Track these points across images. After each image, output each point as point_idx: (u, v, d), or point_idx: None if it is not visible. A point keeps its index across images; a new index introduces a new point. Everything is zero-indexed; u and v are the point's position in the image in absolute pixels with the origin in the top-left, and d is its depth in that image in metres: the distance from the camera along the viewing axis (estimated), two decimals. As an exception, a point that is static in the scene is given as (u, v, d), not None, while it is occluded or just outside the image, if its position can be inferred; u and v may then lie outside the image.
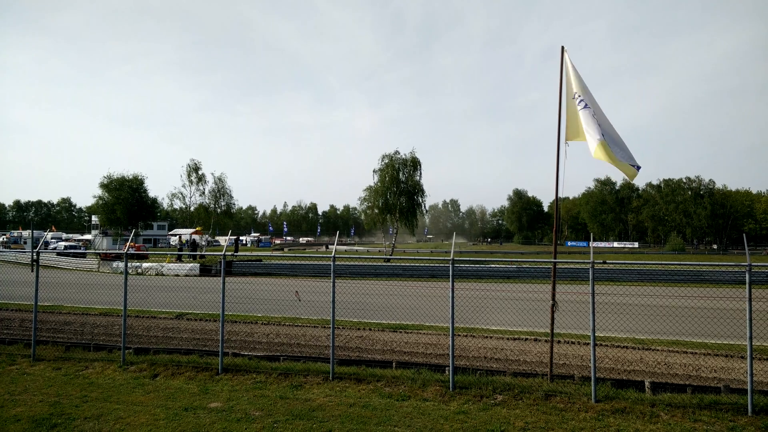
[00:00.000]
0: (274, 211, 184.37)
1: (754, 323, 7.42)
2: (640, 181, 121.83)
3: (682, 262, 14.74)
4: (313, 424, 6.92)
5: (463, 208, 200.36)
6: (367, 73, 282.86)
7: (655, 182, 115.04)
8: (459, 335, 12.47)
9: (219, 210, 55.44)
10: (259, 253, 51.38)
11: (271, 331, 13.68)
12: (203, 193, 54.85)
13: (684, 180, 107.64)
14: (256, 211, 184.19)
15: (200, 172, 54.54)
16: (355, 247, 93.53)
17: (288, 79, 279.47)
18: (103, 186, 57.04)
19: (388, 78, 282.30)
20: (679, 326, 12.60)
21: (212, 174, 55.74)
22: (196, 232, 55.98)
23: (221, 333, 9.79)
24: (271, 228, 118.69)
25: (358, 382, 8.84)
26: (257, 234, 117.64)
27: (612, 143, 8.10)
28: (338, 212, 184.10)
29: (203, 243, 55.60)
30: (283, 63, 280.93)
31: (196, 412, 7.39)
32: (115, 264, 34.41)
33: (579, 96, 8.42)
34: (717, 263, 9.57)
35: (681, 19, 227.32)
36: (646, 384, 8.43)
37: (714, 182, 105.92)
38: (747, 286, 7.37)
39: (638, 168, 8.19)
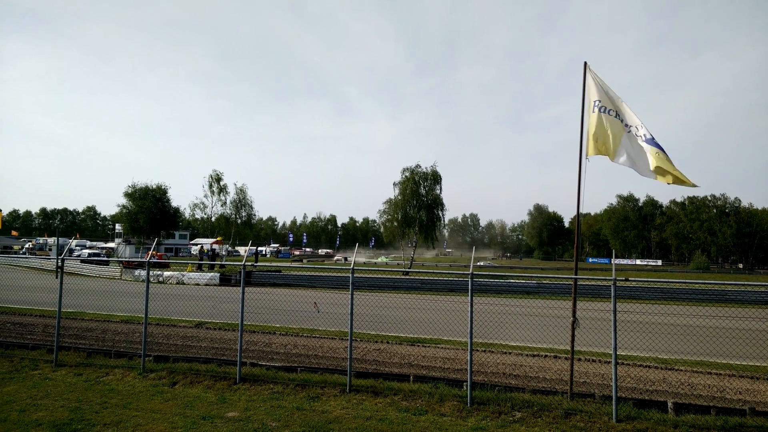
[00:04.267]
0: (294, 222, 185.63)
1: (782, 345, 7.25)
2: (663, 198, 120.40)
3: (706, 281, 14.51)
4: (329, 436, 6.90)
5: (483, 222, 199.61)
6: (388, 85, 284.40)
7: (679, 200, 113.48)
8: (477, 350, 12.36)
9: (239, 220, 55.97)
10: (279, 264, 51.65)
11: (289, 341, 13.70)
12: (224, 203, 55.49)
13: (709, 198, 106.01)
14: (276, 222, 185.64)
15: (222, 183, 55.23)
16: (374, 260, 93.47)
17: (309, 90, 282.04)
18: (127, 195, 58.13)
19: (409, 90, 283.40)
20: (703, 346, 12.32)
21: (234, 184, 56.45)
22: (216, 242, 56.55)
23: (239, 343, 9.84)
24: (291, 239, 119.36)
25: (375, 395, 8.80)
26: (277, 245, 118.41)
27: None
28: (357, 224, 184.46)
29: (223, 253, 56.11)
30: (305, 74, 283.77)
31: (213, 421, 7.43)
32: (137, 272, 34.86)
33: (611, 109, 8.40)
34: (742, 282, 9.39)
35: (707, 33, 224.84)
36: (669, 404, 8.26)
37: (740, 200, 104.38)
38: (774, 306, 7.21)
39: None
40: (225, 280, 33.25)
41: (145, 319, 10.63)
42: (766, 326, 16.20)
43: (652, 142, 8.06)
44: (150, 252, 11.67)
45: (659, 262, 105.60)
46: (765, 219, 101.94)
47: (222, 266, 40.55)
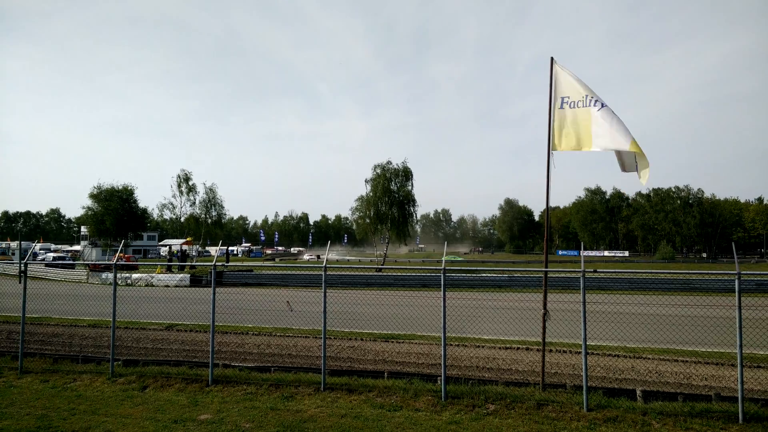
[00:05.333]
0: (265, 221, 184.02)
1: (744, 331, 7.46)
2: (629, 190, 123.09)
3: (672, 271, 14.83)
4: (304, 435, 6.86)
5: (455, 218, 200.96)
6: (360, 82, 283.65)
7: (644, 191, 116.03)
8: (451, 345, 12.45)
9: (210, 220, 55.13)
10: (250, 264, 51.13)
11: (262, 341, 13.59)
12: (194, 203, 54.52)
13: (673, 189, 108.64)
14: (247, 222, 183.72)
15: (191, 183, 54.23)
16: (347, 257, 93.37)
17: (280, 88, 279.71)
18: (92, 196, 56.76)
19: (381, 87, 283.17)
20: (670, 334, 12.64)
21: (203, 184, 55.51)
22: (186, 243, 55.68)
23: (211, 344, 9.71)
24: (263, 238, 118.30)
25: (349, 393, 8.78)
26: (248, 244, 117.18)
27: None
28: (330, 222, 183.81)
29: (193, 253, 55.27)
30: (275, 72, 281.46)
31: (185, 424, 7.31)
32: (104, 275, 34.12)
33: (590, 97, 8.38)
34: (706, 272, 9.61)
35: (671, 29, 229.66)
36: (638, 392, 8.44)
37: (703, 191, 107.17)
38: (736, 294, 7.42)
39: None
40: (195, 281, 32.81)
41: (113, 323, 10.41)
42: (729, 313, 16.69)
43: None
44: (117, 254, 11.44)
45: (626, 253, 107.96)
46: (727, 209, 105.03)
47: (192, 267, 39.99)
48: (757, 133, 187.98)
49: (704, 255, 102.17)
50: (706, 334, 12.08)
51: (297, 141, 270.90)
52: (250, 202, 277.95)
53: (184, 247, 54.36)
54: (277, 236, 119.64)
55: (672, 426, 7.07)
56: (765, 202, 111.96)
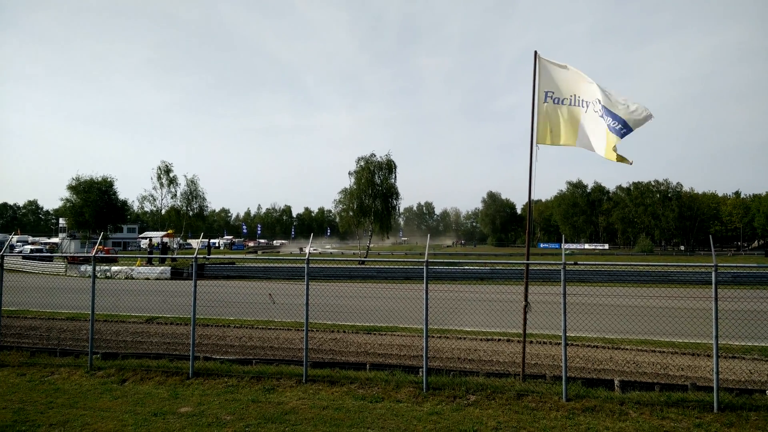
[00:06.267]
0: (247, 213, 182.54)
1: (720, 322, 7.60)
2: (610, 184, 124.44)
3: (650, 263, 15.05)
4: (285, 427, 6.86)
5: (438, 211, 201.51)
6: (346, 75, 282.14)
7: (624, 185, 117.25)
8: (433, 336, 12.50)
9: (191, 212, 54.49)
10: (232, 256, 50.77)
11: (244, 334, 13.52)
12: (174, 195, 53.79)
13: (653, 183, 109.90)
14: (229, 214, 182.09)
15: (171, 174, 53.45)
16: (329, 249, 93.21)
17: (265, 81, 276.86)
18: (71, 188, 55.90)
19: (367, 80, 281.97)
20: (648, 326, 12.83)
21: (185, 176, 54.79)
22: (167, 235, 55.10)
23: (192, 337, 9.64)
24: (245, 230, 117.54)
25: (331, 385, 8.79)
26: (230, 237, 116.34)
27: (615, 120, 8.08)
28: (313, 215, 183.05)
29: (174, 246, 54.73)
30: (260, 64, 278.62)
31: (165, 417, 7.26)
32: (83, 267, 33.64)
33: (578, 97, 8.46)
34: (684, 264, 9.77)
35: (654, 25, 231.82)
36: (616, 383, 8.57)
37: (681, 185, 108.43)
38: (713, 286, 7.55)
39: (623, 133, 8.00)
40: (176, 274, 32.52)
41: (92, 316, 10.28)
42: (706, 305, 16.98)
43: (609, 114, 8.13)
44: (96, 246, 11.28)
45: (606, 246, 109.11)
46: (705, 203, 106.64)
47: (173, 260, 39.61)
48: (735, 127, 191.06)
49: (682, 248, 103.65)
50: (683, 325, 12.28)
51: (281, 134, 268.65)
52: (233, 194, 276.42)
53: (165, 239, 53.82)
54: (259, 229, 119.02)
55: (649, 415, 7.19)
56: (742, 196, 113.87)
